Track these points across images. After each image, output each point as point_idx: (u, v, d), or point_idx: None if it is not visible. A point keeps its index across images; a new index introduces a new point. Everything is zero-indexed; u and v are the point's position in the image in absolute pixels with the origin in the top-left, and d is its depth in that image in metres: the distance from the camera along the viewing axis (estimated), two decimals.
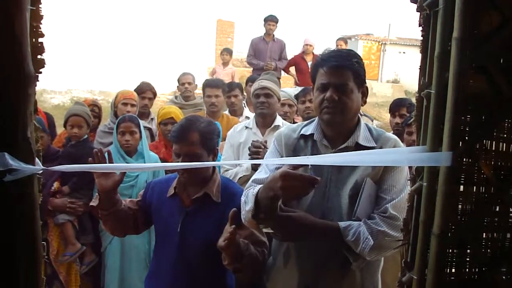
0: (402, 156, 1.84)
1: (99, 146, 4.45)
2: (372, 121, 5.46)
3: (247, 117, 5.18)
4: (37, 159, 1.48)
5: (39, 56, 1.52)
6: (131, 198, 2.92)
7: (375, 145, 2.30)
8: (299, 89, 5.43)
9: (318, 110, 2.30)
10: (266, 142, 3.57)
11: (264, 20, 9.40)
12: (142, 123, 4.36)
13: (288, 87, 8.91)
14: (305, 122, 2.50)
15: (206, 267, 2.64)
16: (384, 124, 12.85)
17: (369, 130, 2.37)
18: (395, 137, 2.41)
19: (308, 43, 9.40)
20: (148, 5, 18.23)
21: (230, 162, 3.83)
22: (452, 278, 1.64)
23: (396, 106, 4.58)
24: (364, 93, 2.35)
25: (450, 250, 1.62)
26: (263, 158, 3.35)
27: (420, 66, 1.66)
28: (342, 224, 2.16)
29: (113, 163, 2.71)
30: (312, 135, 2.38)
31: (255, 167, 3.51)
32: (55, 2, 16.32)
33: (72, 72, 16.34)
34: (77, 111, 4.34)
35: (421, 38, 1.66)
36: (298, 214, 2.16)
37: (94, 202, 2.67)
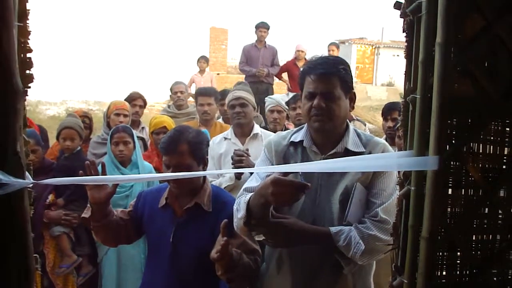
0: (389, 161, 1.87)
1: (93, 157, 4.44)
2: (365, 125, 5.47)
3: None
4: (27, 173, 1.49)
5: (27, 71, 1.53)
6: (123, 209, 2.91)
7: (364, 150, 2.32)
8: (290, 95, 5.45)
9: (307, 117, 2.32)
10: (248, 150, 3.63)
11: (256, 27, 9.44)
12: (135, 133, 4.37)
13: (280, 93, 8.92)
14: (295, 129, 2.52)
15: (198, 277, 2.64)
16: (379, 128, 12.87)
17: (358, 135, 2.39)
18: (384, 141, 2.43)
19: (300, 49, 9.42)
20: (141, 14, 18.25)
21: (219, 171, 3.86)
22: (443, 280, 1.65)
23: (388, 110, 4.58)
24: (352, 99, 2.37)
25: (440, 253, 1.63)
26: (246, 166, 3.46)
27: (405, 72, 1.68)
28: (333, 229, 2.18)
29: (106, 174, 2.70)
30: (301, 142, 2.40)
31: (238, 176, 3.62)
32: (49, 15, 16.34)
33: (66, 83, 16.35)
34: (70, 123, 4.34)
35: (406, 44, 1.68)
36: (289, 221, 2.18)
37: (86, 214, 2.66)
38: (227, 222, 2.30)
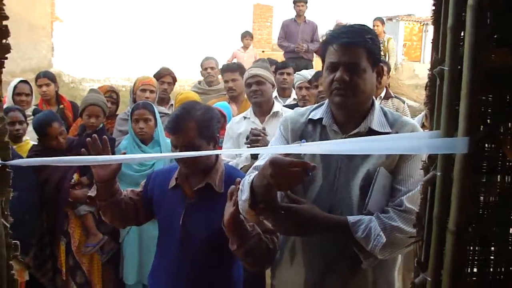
0: (411, 143, 1.64)
1: (118, 134, 4.41)
2: (404, 103, 5.22)
3: (295, 99, 5.18)
4: None
5: (3, 41, 1.39)
6: (133, 188, 2.80)
7: (390, 131, 2.07)
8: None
9: (328, 92, 2.08)
10: (264, 129, 3.49)
11: (293, 2, 9.27)
12: (162, 109, 4.29)
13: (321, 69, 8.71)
14: (314, 106, 2.29)
15: (210, 261, 2.52)
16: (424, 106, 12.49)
17: (385, 114, 2.15)
18: (414, 122, 2.19)
19: (340, 23, 9.13)
20: None
21: (230, 151, 3.77)
22: (474, 278, 1.45)
23: None
24: (379, 72, 2.12)
25: (471, 248, 1.44)
26: (262, 146, 3.30)
27: (432, 40, 1.47)
28: (351, 218, 1.96)
29: (109, 150, 2.56)
30: (321, 119, 2.17)
31: (254, 156, 3.43)
32: None
33: (111, 60, 16.51)
34: (95, 100, 4.29)
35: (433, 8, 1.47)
36: (301, 206, 1.94)
37: (92, 193, 2.57)
38: (235, 188, 2.17)
